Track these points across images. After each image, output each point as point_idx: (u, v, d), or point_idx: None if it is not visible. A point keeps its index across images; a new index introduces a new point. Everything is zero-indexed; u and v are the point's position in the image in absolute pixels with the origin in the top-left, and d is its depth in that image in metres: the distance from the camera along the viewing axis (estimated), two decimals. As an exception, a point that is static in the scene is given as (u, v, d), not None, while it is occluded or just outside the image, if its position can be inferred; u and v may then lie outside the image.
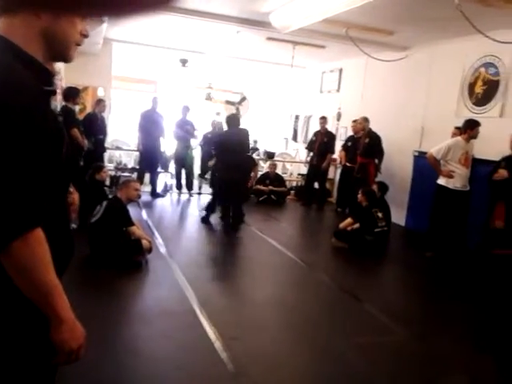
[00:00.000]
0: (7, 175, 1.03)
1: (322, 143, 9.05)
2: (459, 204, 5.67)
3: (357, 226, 6.05)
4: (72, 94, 6.96)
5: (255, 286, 4.66)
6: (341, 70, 10.02)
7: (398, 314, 4.01)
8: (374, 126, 7.89)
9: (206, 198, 7.59)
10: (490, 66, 6.43)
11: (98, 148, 7.75)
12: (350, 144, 8.47)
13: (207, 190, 7.62)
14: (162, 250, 5.28)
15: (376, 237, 6.01)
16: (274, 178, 9.41)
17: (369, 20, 6.37)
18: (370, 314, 3.98)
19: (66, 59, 1.28)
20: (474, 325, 3.99)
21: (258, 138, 12.79)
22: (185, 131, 8.92)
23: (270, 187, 9.18)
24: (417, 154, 7.33)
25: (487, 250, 5.61)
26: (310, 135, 9.85)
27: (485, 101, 6.47)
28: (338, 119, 9.80)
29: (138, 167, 9.05)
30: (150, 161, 8.60)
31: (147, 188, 8.71)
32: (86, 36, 1.26)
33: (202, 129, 10.02)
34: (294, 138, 11.85)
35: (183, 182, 9.19)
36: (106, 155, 9.26)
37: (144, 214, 7.11)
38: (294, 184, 10.59)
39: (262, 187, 9.15)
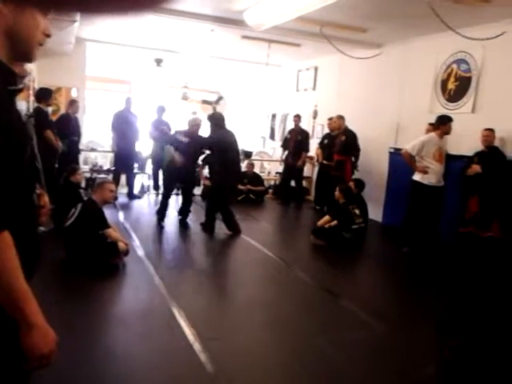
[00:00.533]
0: None
1: (296, 141, 9.10)
2: (434, 199, 5.75)
3: (334, 223, 6.09)
4: (44, 95, 6.83)
5: (234, 285, 4.64)
6: (316, 68, 10.07)
7: (376, 309, 4.05)
8: (350, 124, 7.95)
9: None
10: (462, 63, 6.53)
11: (73, 150, 7.63)
12: (326, 142, 8.51)
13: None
14: (140, 252, 5.23)
15: (354, 233, 6.05)
16: (251, 177, 9.40)
17: (342, 18, 6.41)
18: (348, 310, 4.01)
19: (29, 59, 1.26)
20: (450, 317, 4.04)
21: (236, 137, 12.76)
22: (160, 131, 8.83)
23: (248, 186, 9.17)
24: (392, 150, 7.40)
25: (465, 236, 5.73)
26: (286, 134, 9.87)
27: (457, 97, 6.58)
28: (315, 117, 9.84)
29: (113, 168, 8.93)
30: (125, 162, 8.47)
31: (124, 189, 8.62)
32: (48, 36, 1.24)
33: (179, 129, 9.94)
34: (272, 137, 11.86)
35: (160, 182, 9.11)
36: (81, 157, 9.12)
37: (121, 215, 7.03)
38: (272, 183, 10.60)
39: (240, 186, 9.13)
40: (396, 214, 6.78)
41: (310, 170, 9.85)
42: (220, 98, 11.37)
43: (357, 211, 6.17)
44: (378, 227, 7.39)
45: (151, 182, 9.28)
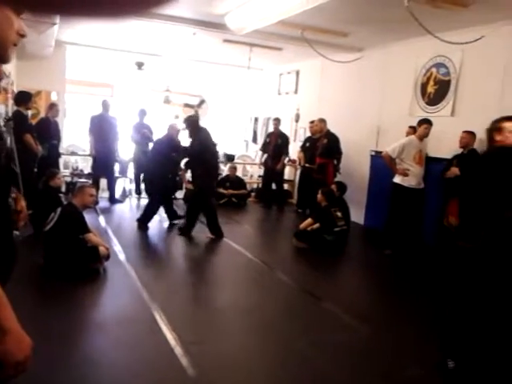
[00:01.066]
0: None
1: (276, 145, 9.13)
2: (415, 201, 5.80)
3: (317, 226, 6.11)
4: (24, 98, 6.74)
5: (216, 289, 4.62)
6: (298, 72, 10.12)
7: (359, 312, 4.06)
8: (332, 127, 7.99)
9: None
10: (441, 67, 6.62)
11: (52, 154, 7.53)
12: (308, 145, 8.55)
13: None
14: (121, 256, 5.17)
15: (336, 236, 6.07)
16: (234, 181, 9.39)
17: (323, 22, 6.46)
18: (331, 313, 4.02)
19: (3, 60, 1.23)
20: (432, 318, 4.07)
21: (218, 140, 12.74)
22: (141, 135, 8.77)
23: (230, 191, 9.14)
24: (373, 153, 7.46)
25: (446, 243, 5.78)
26: (265, 137, 9.90)
27: (437, 100, 6.66)
28: (297, 120, 9.88)
29: (91, 172, 8.79)
30: (104, 166, 8.33)
31: (105, 194, 8.54)
32: (23, 36, 1.21)
33: (160, 133, 9.90)
34: (254, 140, 11.87)
35: (142, 186, 9.04)
36: (62, 161, 9.01)
37: (102, 220, 6.95)
38: (255, 186, 10.60)
39: (222, 190, 9.11)
40: (378, 216, 6.83)
41: (292, 174, 9.88)
42: (202, 102, 11.36)
43: (339, 214, 6.20)
44: (360, 229, 7.44)
45: (133, 186, 9.20)
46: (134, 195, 9.12)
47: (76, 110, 12.04)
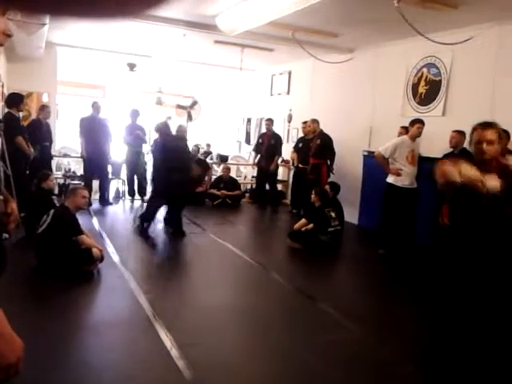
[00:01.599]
0: None
1: (269, 145, 9.14)
2: (408, 201, 5.83)
3: (311, 226, 6.12)
4: (15, 100, 6.71)
5: (211, 290, 4.62)
6: (290, 73, 10.14)
7: (353, 312, 4.08)
8: (324, 127, 8.02)
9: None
10: (432, 67, 6.67)
11: (44, 155, 7.50)
12: (301, 145, 8.57)
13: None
14: (115, 258, 5.16)
15: (330, 236, 6.09)
16: (228, 182, 9.40)
17: (314, 23, 6.48)
18: (325, 313, 4.03)
19: None
20: (426, 318, 4.10)
21: (211, 141, 12.76)
22: (134, 136, 8.74)
23: (223, 191, 9.14)
24: (366, 153, 7.50)
25: (441, 242, 5.81)
26: (257, 138, 9.91)
27: (428, 100, 6.71)
28: (290, 121, 9.90)
29: (83, 174, 8.74)
30: (96, 167, 8.30)
31: (97, 195, 8.51)
32: (9, 36, 1.21)
33: (153, 134, 9.88)
34: (247, 141, 11.89)
35: (136, 188, 9.03)
36: (54, 163, 8.97)
37: (95, 222, 6.93)
38: (249, 187, 10.61)
39: (216, 191, 9.11)
40: (371, 216, 6.87)
41: (285, 174, 9.90)
42: (194, 103, 11.32)
43: (333, 214, 6.22)
44: (353, 229, 7.47)
45: (126, 188, 9.18)
46: (128, 197, 9.10)
47: (68, 112, 12.00)
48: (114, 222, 7.46)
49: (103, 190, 8.50)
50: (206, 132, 13.49)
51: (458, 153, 5.83)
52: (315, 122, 8.12)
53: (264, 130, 9.71)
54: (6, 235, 1.76)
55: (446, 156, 5.91)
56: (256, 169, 9.57)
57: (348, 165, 8.05)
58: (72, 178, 8.89)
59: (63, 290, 4.18)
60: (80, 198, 4.73)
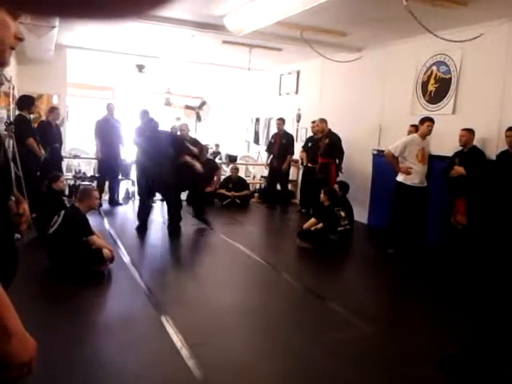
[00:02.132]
0: None
1: (281, 145, 9.10)
2: (418, 200, 5.79)
3: (320, 225, 6.11)
4: (26, 102, 6.77)
5: (221, 290, 4.63)
6: (298, 72, 10.12)
7: (364, 311, 4.06)
8: (333, 126, 7.99)
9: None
10: (442, 65, 6.62)
11: (55, 157, 7.56)
12: (310, 145, 8.55)
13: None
14: (125, 258, 5.19)
15: (339, 235, 6.08)
16: (236, 182, 9.40)
17: (322, 22, 6.46)
18: (335, 313, 4.02)
19: (0, 64, 1.23)
20: (436, 317, 4.08)
21: (220, 141, 12.77)
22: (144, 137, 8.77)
23: (233, 192, 9.15)
24: (375, 152, 7.47)
25: (452, 241, 5.78)
26: (270, 138, 9.89)
27: (438, 98, 6.66)
28: (298, 120, 9.89)
29: (97, 175, 8.85)
30: (109, 168, 8.42)
31: (107, 196, 8.56)
32: (20, 39, 1.20)
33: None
34: (256, 141, 11.89)
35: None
36: (64, 164, 9.04)
37: (106, 222, 6.97)
38: (258, 186, 10.61)
39: (225, 191, 9.12)
40: (381, 215, 6.84)
41: (294, 174, 9.89)
42: (203, 103, 11.34)
43: (342, 213, 6.20)
44: (363, 229, 7.44)
45: (136, 188, 9.21)
46: (137, 197, 9.12)
47: (78, 113, 12.08)
48: (124, 223, 7.50)
49: (113, 190, 8.56)
50: (214, 132, 13.51)
51: (467, 151, 5.80)
52: (323, 121, 8.10)
53: (274, 130, 9.70)
54: (18, 235, 1.78)
55: (457, 155, 5.89)
56: (268, 169, 9.55)
57: (357, 164, 8.03)
58: (82, 179, 8.95)
59: (74, 290, 4.20)
60: (94, 199, 4.80)
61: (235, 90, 13.02)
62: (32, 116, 7.27)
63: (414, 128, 6.27)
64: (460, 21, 5.87)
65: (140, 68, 11.40)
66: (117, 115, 8.79)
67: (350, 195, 7.02)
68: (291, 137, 9.29)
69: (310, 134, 8.97)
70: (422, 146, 5.82)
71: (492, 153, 5.77)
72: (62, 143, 8.18)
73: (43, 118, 8.45)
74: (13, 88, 8.10)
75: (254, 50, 8.63)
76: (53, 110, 8.03)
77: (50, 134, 7.53)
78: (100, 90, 13.12)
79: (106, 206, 8.17)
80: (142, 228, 6.59)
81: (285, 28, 6.61)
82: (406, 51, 7.20)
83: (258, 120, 11.85)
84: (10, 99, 7.76)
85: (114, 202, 8.48)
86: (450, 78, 6.48)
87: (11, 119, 7.07)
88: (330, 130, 8.01)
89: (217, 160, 10.59)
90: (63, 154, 8.49)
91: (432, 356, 3.26)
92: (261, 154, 11.43)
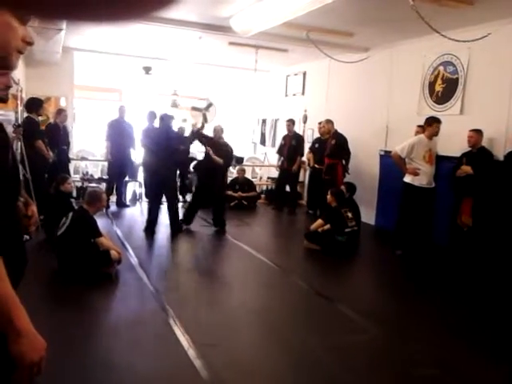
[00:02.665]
0: None
1: (290, 146, 9.07)
2: (425, 201, 5.76)
3: (327, 227, 6.09)
4: (35, 105, 6.81)
5: (228, 291, 4.63)
6: (305, 73, 10.12)
7: (372, 313, 4.05)
8: (340, 127, 7.98)
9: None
10: (449, 65, 6.59)
11: (62, 159, 7.60)
12: (317, 146, 8.53)
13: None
14: (133, 260, 5.20)
15: (347, 237, 6.05)
16: (243, 183, 9.40)
17: (328, 22, 6.46)
18: (343, 315, 4.01)
19: (6, 66, 1.21)
20: (445, 319, 4.06)
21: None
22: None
23: (240, 193, 9.15)
24: (383, 153, 7.44)
25: (458, 242, 5.75)
26: (278, 138, 9.88)
27: (445, 99, 6.63)
28: (305, 122, 9.87)
29: (107, 177, 8.89)
30: (119, 170, 8.46)
31: (115, 198, 8.59)
32: (29, 43, 1.20)
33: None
34: (262, 142, 11.88)
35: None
36: (72, 166, 9.08)
37: (113, 224, 6.99)
38: (264, 188, 10.61)
39: (232, 193, 9.12)
40: (388, 216, 6.81)
41: (302, 175, 9.87)
42: (210, 105, 11.33)
43: (349, 214, 6.18)
44: (370, 230, 7.41)
45: (143, 190, 9.24)
46: (144, 199, 9.16)
47: (85, 115, 12.14)
48: (132, 224, 7.52)
49: (120, 192, 8.59)
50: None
51: (476, 152, 5.77)
52: (329, 122, 8.09)
53: (281, 131, 9.67)
54: (26, 237, 1.79)
55: (465, 155, 5.85)
56: (278, 171, 9.52)
57: (364, 165, 8.01)
58: (89, 180, 8.99)
59: (82, 291, 4.23)
60: (103, 202, 4.87)
61: (241, 91, 13.03)
62: (40, 118, 7.31)
63: (421, 128, 6.24)
64: (467, 20, 5.85)
65: (147, 70, 11.44)
66: (127, 117, 8.83)
67: (357, 196, 7.00)
68: (301, 138, 9.24)
69: (316, 134, 8.96)
70: (429, 146, 5.79)
71: (500, 153, 5.73)
72: (69, 145, 8.23)
73: (51, 120, 8.50)
74: (21, 90, 8.16)
75: (261, 51, 8.64)
76: (60, 112, 8.07)
77: (57, 136, 7.57)
78: (107, 92, 13.18)
79: (113, 207, 8.19)
80: (150, 230, 6.60)
81: (291, 29, 6.61)
82: (412, 51, 7.17)
83: (264, 121, 11.85)
84: (18, 101, 7.81)
85: (121, 203, 8.51)
86: (457, 78, 6.45)
87: (19, 121, 7.12)
88: (336, 130, 7.99)
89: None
90: (71, 155, 8.53)
91: (440, 358, 3.25)
92: (267, 155, 11.42)
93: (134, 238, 6.35)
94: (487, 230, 5.47)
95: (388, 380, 3.00)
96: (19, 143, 6.14)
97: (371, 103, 8.01)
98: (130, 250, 5.55)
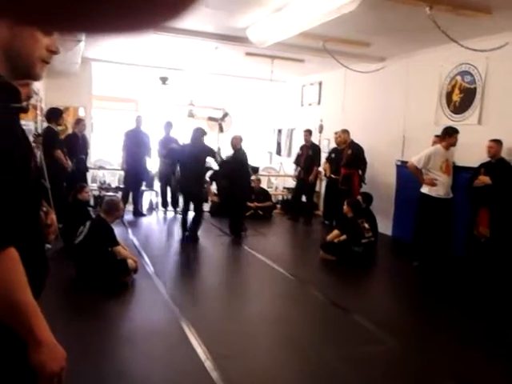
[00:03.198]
0: None
1: (307, 156, 9.06)
2: (443, 212, 5.69)
3: (344, 237, 6.05)
4: (55, 114, 6.91)
5: (244, 302, 4.62)
6: (320, 83, 10.12)
7: (389, 324, 4.00)
8: (356, 137, 7.95)
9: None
10: (466, 74, 6.54)
11: (80, 168, 7.69)
12: (333, 156, 8.50)
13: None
14: (149, 269, 5.22)
15: (363, 248, 6.00)
16: (259, 193, 9.40)
17: (345, 32, 6.46)
18: (360, 326, 3.97)
19: (31, 76, 1.22)
20: (463, 331, 3.99)
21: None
22: (169, 150, 8.87)
23: (255, 203, 9.14)
24: (399, 163, 7.39)
25: (477, 254, 5.67)
26: (294, 148, 9.87)
27: (463, 108, 6.57)
28: (320, 131, 9.85)
29: (122, 186, 8.97)
30: (134, 180, 8.53)
31: (131, 207, 8.65)
32: (54, 52, 1.20)
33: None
34: (278, 152, 11.89)
35: (169, 199, 9.14)
36: (90, 175, 9.18)
37: (130, 233, 7.03)
38: (280, 198, 10.59)
39: (247, 203, 9.11)
40: (405, 227, 6.74)
41: (318, 185, 9.84)
42: (225, 115, 11.39)
43: (366, 225, 6.14)
44: (387, 241, 7.34)
45: (159, 199, 9.30)
46: (161, 208, 9.21)
47: (102, 125, 12.27)
48: (148, 233, 7.56)
49: (136, 201, 8.64)
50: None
51: (495, 162, 5.69)
52: (345, 132, 8.07)
53: (297, 141, 9.66)
54: (48, 246, 1.80)
55: (483, 165, 5.78)
56: (295, 181, 9.50)
57: (381, 175, 7.95)
58: (107, 189, 9.08)
59: (99, 300, 4.25)
60: (121, 210, 4.93)
61: (257, 101, 13.07)
62: (59, 128, 7.41)
63: (439, 139, 6.19)
64: (484, 30, 5.80)
65: (163, 80, 11.54)
66: (144, 127, 8.91)
67: (374, 207, 6.95)
68: (318, 148, 9.21)
69: (332, 144, 8.93)
70: (446, 156, 5.74)
71: (519, 163, 5.66)
72: (87, 154, 8.32)
73: (69, 130, 8.62)
74: (40, 101, 8.29)
75: (277, 62, 8.67)
76: (79, 121, 8.18)
77: (76, 145, 7.67)
78: (124, 102, 13.32)
79: (130, 216, 8.24)
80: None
81: (307, 39, 6.63)
82: (429, 61, 7.14)
83: (280, 131, 11.86)
84: (38, 112, 7.93)
85: (138, 213, 8.56)
86: (475, 88, 6.39)
87: (38, 131, 7.22)
88: (352, 140, 7.96)
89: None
90: (88, 165, 8.63)
91: (457, 370, 3.19)
92: (283, 165, 11.41)
93: (150, 246, 6.38)
94: (505, 240, 5.39)
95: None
96: (39, 152, 6.22)
97: (387, 113, 7.97)
98: (147, 259, 5.57)
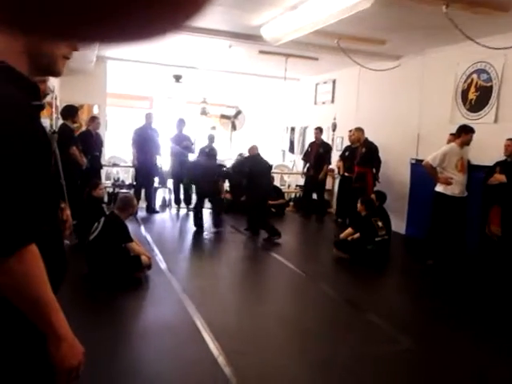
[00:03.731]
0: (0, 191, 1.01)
1: (317, 154, 9.06)
2: (458, 210, 5.65)
3: (357, 235, 6.03)
4: (70, 112, 6.96)
5: (258, 298, 4.63)
6: (334, 81, 10.08)
7: (402, 323, 3.99)
8: (370, 135, 7.91)
9: (205, 213, 7.57)
10: (482, 73, 6.47)
11: (95, 165, 7.74)
12: (347, 154, 8.49)
13: (206, 204, 7.62)
14: (162, 265, 5.25)
15: (377, 246, 5.98)
16: (271, 190, 9.38)
17: (360, 30, 6.43)
18: (373, 324, 3.96)
19: (53, 73, 1.24)
20: (478, 330, 3.96)
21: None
22: (183, 147, 8.93)
23: (269, 201, 9.13)
24: (414, 161, 7.34)
25: (489, 253, 5.62)
26: (307, 147, 9.86)
27: (479, 107, 6.51)
28: (334, 130, 9.83)
29: (134, 183, 9.03)
30: (145, 177, 8.58)
31: (145, 204, 8.70)
32: (75, 49, 1.22)
33: (199, 143, 10.03)
34: (291, 150, 11.87)
35: (181, 196, 9.19)
36: (104, 172, 9.25)
37: (143, 229, 7.08)
38: (293, 195, 10.58)
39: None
40: (419, 225, 6.70)
41: (330, 183, 9.81)
42: (239, 113, 11.43)
43: (380, 223, 6.11)
44: (401, 239, 7.30)
45: (172, 196, 9.35)
46: (174, 205, 9.26)
47: (117, 123, 12.36)
48: (161, 230, 7.60)
49: (149, 198, 8.69)
50: (249, 141, 13.56)
51: (511, 161, 5.63)
52: (359, 130, 8.04)
53: (310, 139, 9.66)
54: (67, 242, 1.83)
55: (499, 164, 5.72)
56: (304, 178, 9.52)
57: (395, 173, 7.91)
58: (120, 186, 9.15)
59: (112, 296, 4.28)
60: (135, 207, 4.97)
61: (270, 99, 13.06)
62: (75, 125, 7.47)
63: (454, 137, 6.13)
64: (501, 27, 5.74)
65: (177, 78, 11.59)
66: (155, 124, 8.95)
67: (388, 205, 6.91)
68: (329, 146, 9.22)
69: (346, 142, 8.91)
70: (460, 155, 5.69)
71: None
72: (101, 152, 8.38)
73: (83, 128, 8.69)
74: (55, 98, 8.37)
75: (290, 60, 8.66)
76: (93, 119, 8.25)
77: (90, 142, 7.73)
78: (138, 100, 13.40)
79: (143, 213, 8.30)
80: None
81: (322, 37, 6.60)
82: (445, 59, 7.07)
83: (293, 129, 11.84)
84: (53, 109, 8.01)
85: (151, 209, 8.62)
86: (492, 86, 6.32)
87: (54, 128, 7.29)
88: (366, 138, 7.93)
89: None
90: (102, 162, 8.69)
91: (473, 371, 3.17)
92: (296, 163, 11.40)
93: (163, 243, 6.41)
94: None
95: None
96: (56, 150, 6.28)
97: (402, 111, 7.92)
98: (160, 255, 5.60)
